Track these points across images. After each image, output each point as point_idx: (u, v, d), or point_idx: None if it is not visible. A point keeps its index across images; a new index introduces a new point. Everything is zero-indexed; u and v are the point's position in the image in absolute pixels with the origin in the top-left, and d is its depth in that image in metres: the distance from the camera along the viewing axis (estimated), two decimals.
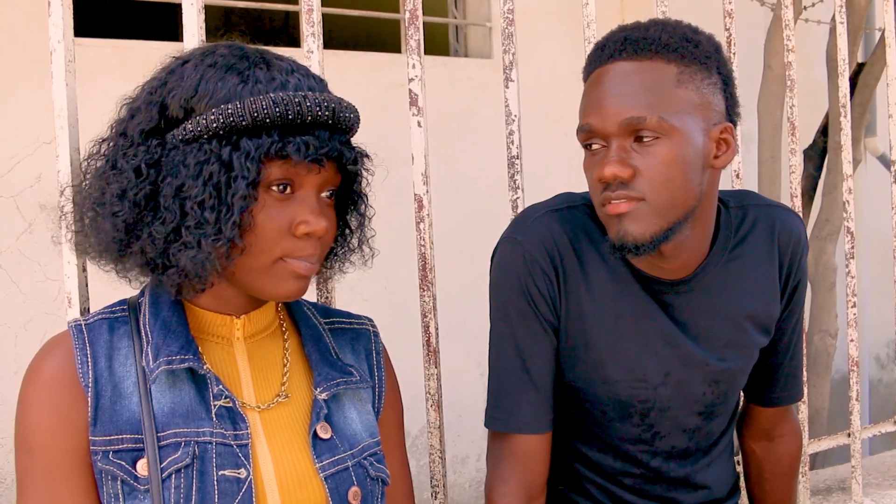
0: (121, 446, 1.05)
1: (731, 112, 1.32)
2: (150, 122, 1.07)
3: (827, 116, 3.31)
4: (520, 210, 1.67)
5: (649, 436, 1.44)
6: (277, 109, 1.03)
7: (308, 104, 1.04)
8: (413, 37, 1.60)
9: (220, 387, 1.09)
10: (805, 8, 2.98)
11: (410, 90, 1.59)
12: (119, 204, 1.05)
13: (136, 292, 1.17)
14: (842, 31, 2.28)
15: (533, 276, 1.36)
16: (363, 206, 1.20)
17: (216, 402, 1.09)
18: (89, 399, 1.06)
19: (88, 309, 1.36)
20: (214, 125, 1.03)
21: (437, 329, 1.61)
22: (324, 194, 1.10)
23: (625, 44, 1.27)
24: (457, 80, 4.02)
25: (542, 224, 1.38)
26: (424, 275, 1.60)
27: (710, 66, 1.28)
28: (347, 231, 1.21)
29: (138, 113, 1.08)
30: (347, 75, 3.64)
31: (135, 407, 1.06)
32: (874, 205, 4.39)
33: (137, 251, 1.06)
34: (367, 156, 1.15)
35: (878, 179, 4.37)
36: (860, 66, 3.27)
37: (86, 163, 1.12)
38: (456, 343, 3.25)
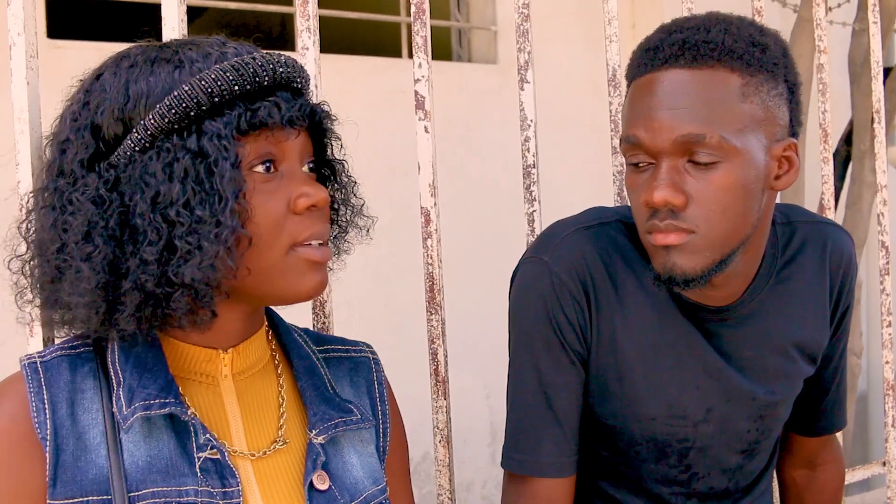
0: None
1: (795, 124, 1.17)
2: (87, 150, 0.92)
3: (851, 123, 3.18)
4: (536, 224, 1.53)
5: (686, 477, 1.30)
6: (233, 77, 0.90)
7: (266, 64, 0.92)
8: (419, 33, 1.45)
9: (207, 435, 0.93)
10: (830, 9, 2.86)
11: (416, 92, 1.44)
12: (88, 245, 0.89)
13: None
14: (875, 32, 2.15)
15: (561, 302, 1.21)
16: (344, 175, 1.07)
17: (201, 454, 0.93)
18: (48, 455, 0.90)
19: (52, 339, 1.20)
20: (167, 119, 0.89)
21: (445, 357, 1.46)
22: (305, 168, 0.98)
23: (683, 49, 1.11)
24: (460, 86, 3.89)
25: (571, 243, 1.23)
26: (432, 296, 1.45)
27: (777, 75, 1.13)
28: (335, 205, 1.08)
29: (69, 145, 0.93)
30: (346, 80, 3.50)
31: (103, 462, 0.90)
32: (894, 216, 4.26)
33: (131, 288, 0.90)
34: (334, 116, 1.04)
35: None
36: (887, 71, 3.14)
37: (23, 226, 0.96)
38: (462, 365, 3.11)
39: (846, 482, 2.12)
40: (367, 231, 1.11)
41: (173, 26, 1.25)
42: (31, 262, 0.95)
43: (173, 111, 0.89)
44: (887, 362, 2.15)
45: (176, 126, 0.90)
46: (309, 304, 1.36)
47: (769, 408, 1.29)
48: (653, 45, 1.15)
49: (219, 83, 0.90)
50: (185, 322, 0.93)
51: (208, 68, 0.91)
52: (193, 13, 3.64)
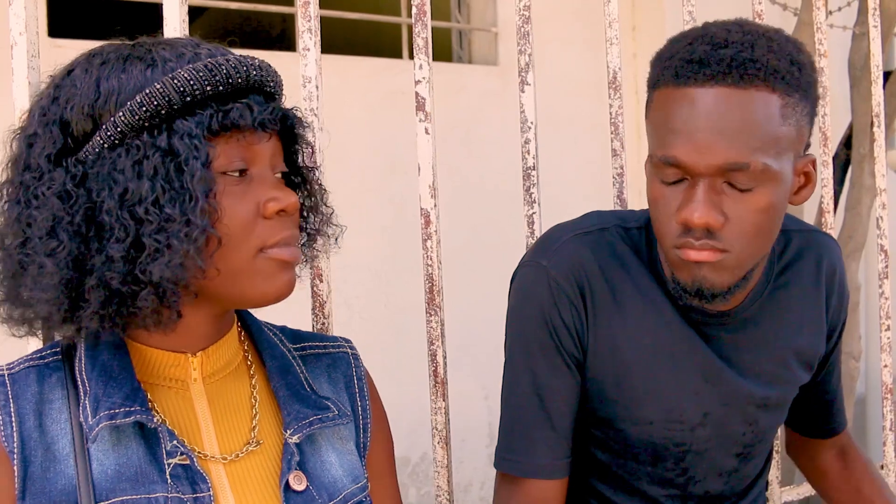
0: None
1: (810, 138, 1.17)
2: (55, 145, 0.91)
3: (850, 127, 3.18)
4: (536, 226, 1.53)
5: (683, 480, 1.30)
6: (205, 77, 0.89)
7: (239, 66, 0.91)
8: (420, 34, 1.45)
9: (175, 442, 0.92)
10: (830, 12, 2.85)
11: (417, 93, 1.44)
12: (53, 240, 0.88)
13: None
14: (875, 35, 2.15)
15: (558, 306, 1.22)
16: (315, 183, 1.06)
17: (171, 460, 0.92)
18: (16, 467, 0.90)
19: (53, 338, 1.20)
20: (138, 117, 0.88)
21: (444, 358, 1.46)
22: (276, 175, 0.97)
23: (730, 67, 1.07)
24: (461, 87, 3.88)
25: (569, 248, 1.24)
26: (431, 297, 1.45)
27: (808, 94, 1.12)
28: (304, 212, 1.07)
29: (36, 139, 0.91)
30: (346, 81, 3.50)
31: (71, 472, 0.90)
32: (894, 219, 4.25)
33: (96, 285, 0.88)
34: (306, 122, 1.03)
35: None
36: (887, 75, 3.14)
37: None
38: (461, 366, 3.11)
39: None
40: (336, 240, 1.10)
41: (175, 26, 1.25)
42: None
43: (144, 108, 0.88)
44: (886, 366, 2.15)
45: (146, 124, 0.89)
46: (308, 304, 1.36)
47: (764, 411, 1.29)
48: (696, 58, 1.09)
49: (191, 82, 0.89)
50: (149, 322, 0.92)
51: (181, 67, 0.90)
52: (194, 13, 3.64)
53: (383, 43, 4.54)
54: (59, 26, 3.27)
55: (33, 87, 1.19)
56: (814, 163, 1.16)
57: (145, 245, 0.88)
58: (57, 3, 3.34)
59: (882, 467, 2.16)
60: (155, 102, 0.88)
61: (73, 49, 3.11)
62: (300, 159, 1.05)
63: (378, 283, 3.49)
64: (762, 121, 1.07)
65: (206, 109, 0.90)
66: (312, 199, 1.06)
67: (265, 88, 0.95)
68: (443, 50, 4.26)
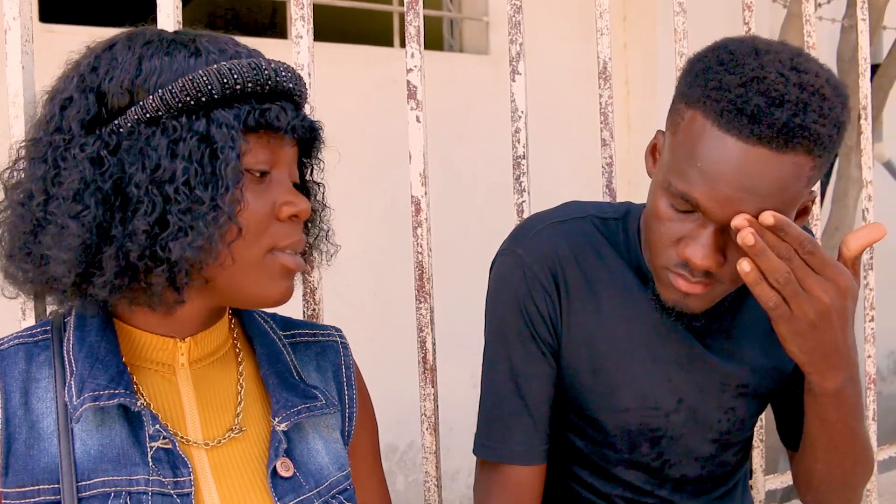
0: (37, 498, 0.89)
1: None
2: (89, 112, 0.91)
3: None
4: (526, 214, 1.54)
5: (658, 464, 1.32)
6: (248, 74, 0.92)
7: (282, 72, 0.94)
8: (412, 23, 1.46)
9: (157, 426, 0.93)
10: (819, 5, 2.87)
11: (409, 81, 1.45)
12: (78, 204, 0.88)
13: None
14: (864, 28, 2.16)
15: (532, 294, 1.23)
16: (320, 197, 1.09)
17: (153, 444, 0.93)
18: (0, 443, 0.90)
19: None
20: (178, 100, 0.90)
21: (434, 345, 1.47)
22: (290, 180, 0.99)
23: (779, 133, 1.02)
24: (452, 76, 3.89)
25: (545, 237, 1.26)
26: (421, 285, 1.46)
27: (837, 149, 1.10)
28: (307, 224, 1.08)
29: (70, 104, 0.92)
30: (337, 69, 3.50)
31: (55, 450, 0.90)
32: (879, 212, 4.28)
33: (113, 255, 0.89)
34: (323, 131, 1.06)
35: (884, 186, 4.27)
36: (874, 68, 3.16)
37: (6, 172, 0.95)
38: (449, 354, 3.13)
39: None
40: (329, 258, 1.11)
41: (168, 13, 1.26)
42: (6, 214, 0.94)
43: (185, 93, 0.90)
44: (869, 356, 2.16)
45: (185, 108, 0.90)
46: (299, 290, 1.36)
47: (743, 399, 1.31)
48: (748, 112, 1.03)
49: (235, 76, 0.91)
50: (154, 301, 0.93)
51: (223, 61, 0.93)
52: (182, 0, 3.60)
53: (374, 31, 4.54)
54: (50, 12, 3.26)
55: (27, 72, 1.20)
56: (814, 199, 1.14)
57: (170, 223, 0.89)
58: None
59: None
60: (197, 89, 0.90)
61: (65, 34, 3.11)
62: (310, 173, 1.07)
63: (368, 271, 3.50)
64: (791, 184, 1.04)
65: (244, 105, 0.92)
66: (314, 213, 1.08)
67: (294, 97, 0.98)
68: (434, 39, 4.27)
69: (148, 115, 0.90)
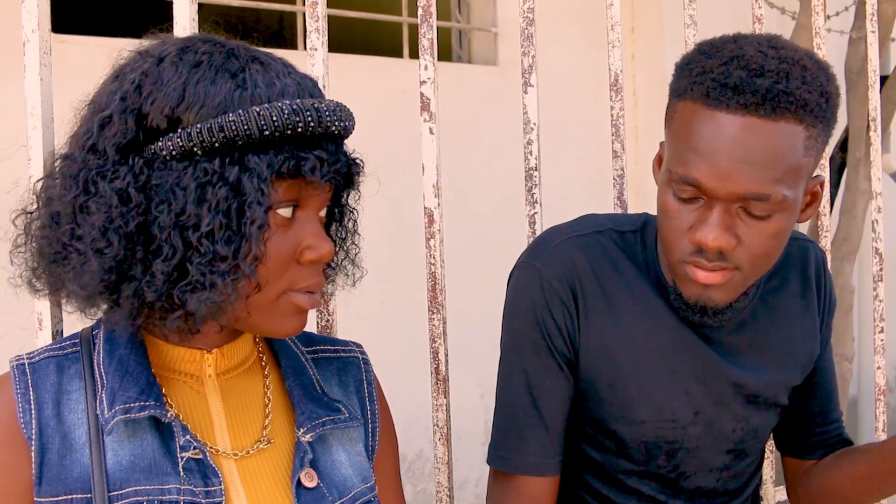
0: None
1: None
2: (126, 136, 0.90)
3: (846, 131, 3.20)
4: (537, 226, 1.55)
5: (674, 476, 1.33)
6: (289, 120, 0.88)
7: (325, 115, 0.91)
8: (426, 36, 1.47)
9: (188, 436, 0.94)
10: (828, 17, 2.88)
11: (422, 94, 1.46)
12: (103, 239, 0.88)
13: None
14: (872, 40, 2.16)
15: (550, 307, 1.24)
16: (351, 222, 1.07)
17: (184, 454, 0.93)
18: (33, 453, 0.91)
19: (61, 332, 1.22)
20: (213, 139, 0.88)
21: (446, 356, 1.48)
22: (321, 213, 0.97)
23: (765, 99, 1.06)
24: (460, 86, 3.89)
25: (563, 250, 1.26)
26: (434, 296, 1.47)
27: (831, 122, 1.13)
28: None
29: (109, 124, 0.90)
30: (345, 80, 3.51)
31: (87, 461, 0.91)
32: (888, 223, 4.28)
33: (130, 295, 0.90)
34: (363, 167, 1.02)
35: (893, 198, 4.27)
36: (883, 80, 3.16)
37: (41, 182, 0.95)
38: (458, 364, 3.13)
39: None
40: (354, 283, 1.10)
41: (185, 25, 1.27)
42: (37, 225, 0.94)
43: (223, 134, 0.88)
44: (879, 367, 2.16)
45: (219, 147, 0.88)
46: None
47: (755, 409, 1.31)
48: (731, 84, 1.08)
49: (275, 122, 0.88)
50: (168, 332, 0.95)
51: (268, 99, 0.90)
52: None
53: (382, 41, 4.55)
54: (61, 22, 3.27)
55: (45, 83, 1.21)
56: (822, 184, 1.17)
57: (189, 272, 0.88)
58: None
59: None
60: (235, 132, 0.88)
61: (76, 45, 3.11)
62: (345, 198, 1.05)
63: (375, 281, 3.50)
64: (786, 153, 1.07)
65: (281, 152, 0.89)
66: (343, 236, 1.07)
67: (337, 133, 0.94)
68: (443, 49, 4.28)
69: (183, 149, 0.88)
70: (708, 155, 1.08)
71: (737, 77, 1.07)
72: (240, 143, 0.88)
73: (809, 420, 1.42)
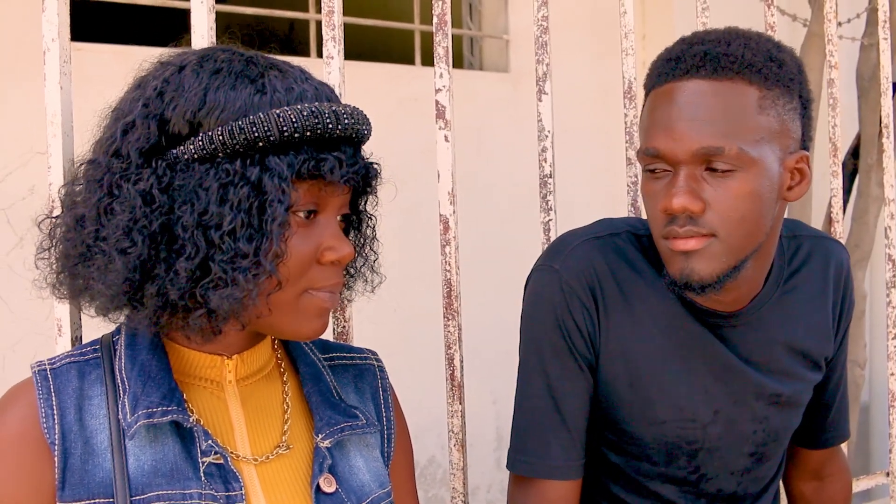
0: None
1: (807, 138, 1.21)
2: (150, 140, 0.92)
3: (858, 137, 3.20)
4: (552, 233, 1.55)
5: (695, 478, 1.33)
6: (309, 122, 0.91)
7: (344, 118, 0.93)
8: (441, 44, 1.48)
9: (210, 441, 0.95)
10: (840, 24, 2.88)
11: (437, 101, 1.46)
12: (127, 239, 0.90)
13: None
14: (884, 47, 2.17)
15: (570, 309, 1.25)
16: (369, 228, 1.09)
17: (205, 459, 0.95)
18: (56, 458, 0.92)
19: (80, 338, 1.23)
20: (235, 141, 0.90)
21: (461, 362, 1.48)
22: (339, 217, 0.99)
23: (704, 60, 1.14)
24: (472, 93, 3.90)
25: (581, 252, 1.27)
26: (449, 302, 1.47)
27: (792, 90, 1.17)
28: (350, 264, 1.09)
29: (133, 129, 0.93)
30: (359, 87, 3.52)
31: (109, 465, 0.93)
32: None
33: (154, 294, 0.91)
34: (380, 172, 1.05)
35: None
36: (895, 86, 3.16)
37: (65, 188, 0.97)
38: (470, 370, 3.14)
39: (854, 490, 2.14)
40: (374, 288, 1.12)
41: (202, 34, 1.28)
42: (62, 229, 0.96)
43: (244, 136, 0.90)
44: (892, 374, 2.15)
45: (240, 150, 0.91)
46: None
47: (776, 409, 1.32)
48: (674, 56, 1.17)
49: (295, 124, 0.90)
50: (190, 332, 0.96)
51: (287, 102, 0.92)
52: None
53: (393, 49, 4.56)
54: (75, 30, 3.29)
55: (65, 92, 1.22)
56: (807, 159, 1.19)
57: (211, 270, 0.90)
58: (73, 7, 3.36)
59: (888, 475, 2.18)
60: (255, 134, 0.90)
61: (90, 52, 3.13)
62: (363, 204, 1.07)
63: (388, 287, 3.51)
64: (736, 109, 1.13)
65: (301, 153, 0.91)
66: (362, 242, 1.09)
67: (354, 137, 0.96)
68: (455, 56, 4.28)
69: (205, 152, 0.91)
70: (663, 122, 1.15)
71: (678, 50, 1.19)
72: (260, 144, 0.90)
73: (808, 431, 1.45)
